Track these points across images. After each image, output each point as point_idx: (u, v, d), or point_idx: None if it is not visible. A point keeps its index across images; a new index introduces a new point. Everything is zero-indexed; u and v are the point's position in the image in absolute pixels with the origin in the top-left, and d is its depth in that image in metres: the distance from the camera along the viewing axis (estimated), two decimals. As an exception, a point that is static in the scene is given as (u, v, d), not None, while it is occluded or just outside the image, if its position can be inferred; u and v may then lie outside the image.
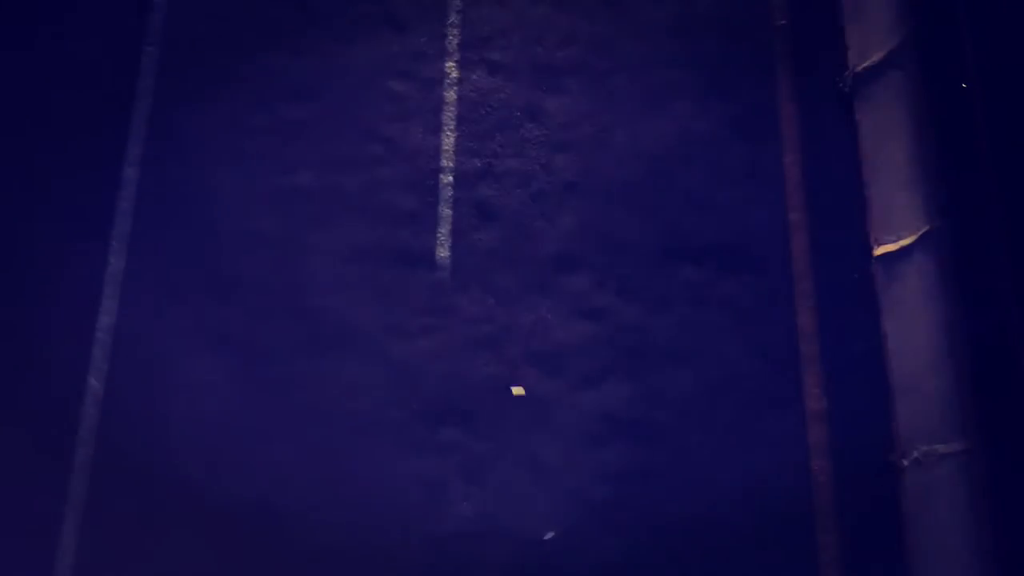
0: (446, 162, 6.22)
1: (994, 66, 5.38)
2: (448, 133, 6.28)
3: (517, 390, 4.60)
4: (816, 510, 5.22)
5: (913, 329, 5.34)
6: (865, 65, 6.03)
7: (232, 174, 6.28)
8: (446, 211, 6.10)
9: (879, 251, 5.68)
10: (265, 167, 6.29)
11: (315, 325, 5.85)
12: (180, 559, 5.32)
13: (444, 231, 6.06)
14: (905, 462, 5.19)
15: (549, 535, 4.56)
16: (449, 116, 6.33)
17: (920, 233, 5.42)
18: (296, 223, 6.13)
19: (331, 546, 5.34)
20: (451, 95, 6.39)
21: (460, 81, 6.42)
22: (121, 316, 5.90)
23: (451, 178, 6.18)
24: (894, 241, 5.60)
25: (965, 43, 5.50)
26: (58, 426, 5.61)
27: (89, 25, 6.71)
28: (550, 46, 6.46)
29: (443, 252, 6.01)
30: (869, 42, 6.05)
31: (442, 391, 5.66)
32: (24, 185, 6.29)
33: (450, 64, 6.47)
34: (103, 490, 5.47)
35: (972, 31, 5.48)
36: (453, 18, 6.60)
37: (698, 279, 5.78)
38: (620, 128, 6.20)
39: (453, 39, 6.54)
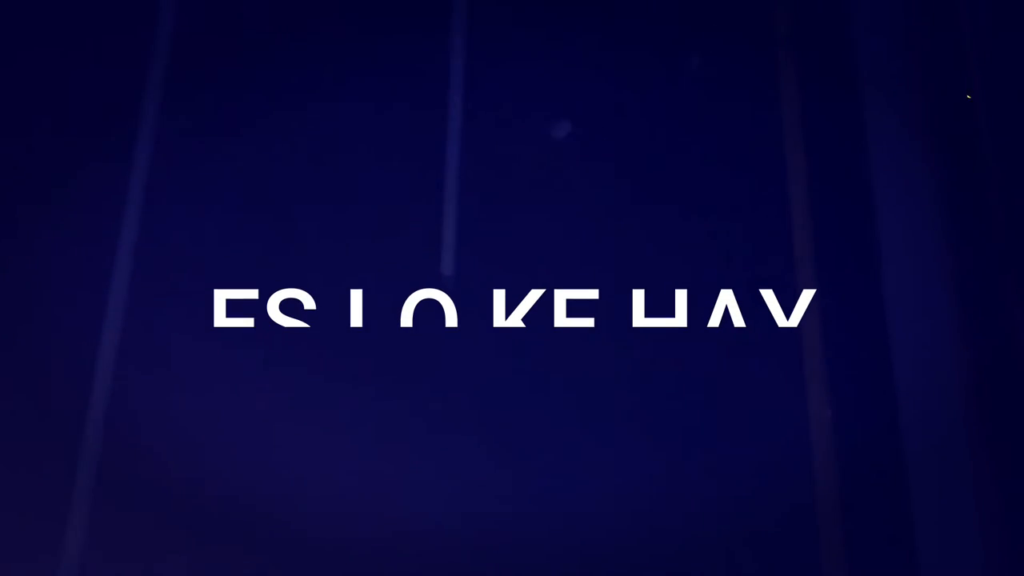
0: (451, 166, 6.25)
1: (998, 74, 5.41)
2: (453, 137, 6.32)
3: None
4: (819, 514, 5.21)
5: (918, 333, 5.34)
6: (870, 73, 6.06)
7: (237, 177, 6.31)
8: (451, 215, 6.13)
9: (884, 256, 5.70)
10: (270, 170, 6.33)
11: (318, 327, 5.87)
12: (186, 558, 5.32)
13: (449, 235, 6.08)
14: (908, 467, 5.20)
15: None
16: (454, 121, 6.37)
17: (924, 238, 5.44)
18: (300, 226, 6.16)
19: (333, 546, 5.34)
20: (456, 99, 6.42)
21: (464, 85, 6.46)
22: (126, 317, 5.92)
23: (456, 182, 6.21)
24: (897, 247, 5.62)
25: (969, 52, 5.54)
26: (62, 427, 5.63)
27: (95, 28, 6.76)
28: (556, 51, 6.50)
29: (447, 256, 6.03)
30: (874, 50, 6.09)
31: (444, 394, 5.67)
32: (30, 185, 6.32)
33: (455, 67, 6.51)
34: (108, 490, 5.47)
35: (976, 40, 5.51)
36: (460, 20, 6.64)
37: (701, 284, 5.79)
38: (623, 133, 6.23)
39: (460, 41, 6.58)
